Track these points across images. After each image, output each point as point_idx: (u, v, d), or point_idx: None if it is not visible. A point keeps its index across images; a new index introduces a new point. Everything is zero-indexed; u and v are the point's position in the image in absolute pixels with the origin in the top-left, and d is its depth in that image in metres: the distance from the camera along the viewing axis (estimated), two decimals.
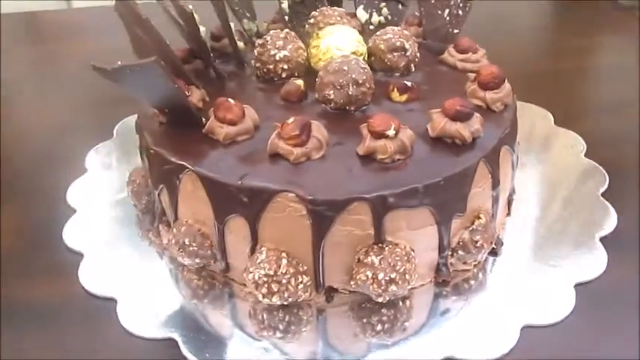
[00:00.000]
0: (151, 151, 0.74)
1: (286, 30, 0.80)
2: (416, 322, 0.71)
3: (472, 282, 0.75)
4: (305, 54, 0.80)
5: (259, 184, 0.66)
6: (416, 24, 0.93)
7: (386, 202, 0.66)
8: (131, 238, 0.83)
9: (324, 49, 0.78)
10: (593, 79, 1.23)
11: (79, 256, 0.80)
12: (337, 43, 0.78)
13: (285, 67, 0.78)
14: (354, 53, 0.78)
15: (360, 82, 0.72)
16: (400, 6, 0.98)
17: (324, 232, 0.67)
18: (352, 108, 0.74)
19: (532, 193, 0.89)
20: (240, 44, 0.86)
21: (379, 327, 0.70)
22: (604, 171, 0.91)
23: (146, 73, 0.66)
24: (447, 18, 0.91)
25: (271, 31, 0.80)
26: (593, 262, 0.77)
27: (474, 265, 0.76)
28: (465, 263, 0.74)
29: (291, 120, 0.67)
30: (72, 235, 0.83)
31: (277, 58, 0.78)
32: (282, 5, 0.88)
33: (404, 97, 0.76)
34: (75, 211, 0.87)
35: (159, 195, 0.77)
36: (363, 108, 0.75)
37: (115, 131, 1.03)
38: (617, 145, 0.99)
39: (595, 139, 0.98)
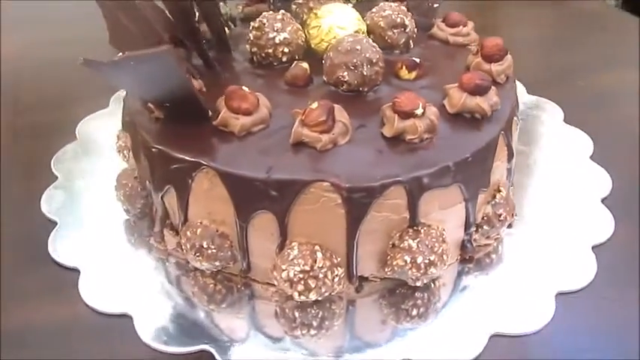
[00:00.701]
0: (153, 150, 0.67)
1: (282, 11, 0.75)
2: (447, 302, 0.70)
3: (493, 256, 0.75)
4: (304, 35, 0.75)
5: (290, 176, 0.62)
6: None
7: (421, 183, 0.63)
8: (123, 246, 0.77)
9: (327, 29, 0.75)
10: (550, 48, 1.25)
11: (72, 271, 0.73)
12: (339, 22, 0.75)
13: (286, 50, 0.74)
14: (356, 32, 0.75)
15: (374, 61, 0.69)
16: None
17: (360, 220, 0.64)
18: (365, 89, 0.71)
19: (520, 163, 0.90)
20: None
21: (414, 312, 0.69)
22: (587, 135, 0.93)
23: (156, 63, 0.60)
24: None
25: (265, 13, 0.75)
26: (601, 224, 0.78)
27: (495, 239, 0.75)
28: (487, 238, 0.74)
29: (314, 105, 0.64)
30: (60, 249, 0.75)
31: (277, 41, 0.73)
32: None
33: (413, 75, 0.74)
34: (55, 223, 0.79)
35: (162, 197, 0.70)
36: (375, 88, 0.72)
37: (77, 133, 0.95)
38: (593, 109, 1.02)
39: (571, 105, 1.00)
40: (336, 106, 0.65)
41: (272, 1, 0.84)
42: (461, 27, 0.85)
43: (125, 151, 0.81)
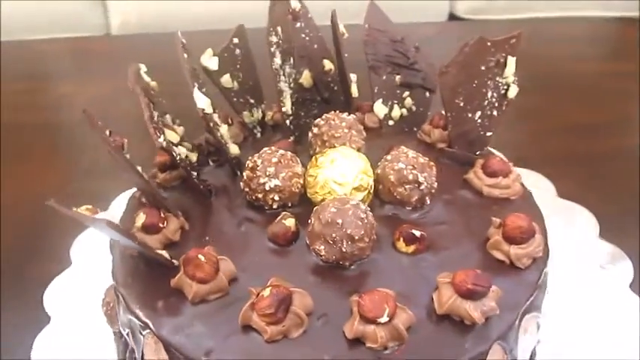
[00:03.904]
0: (117, 292, 0.65)
1: (281, 152, 0.68)
2: None
3: None
4: (301, 181, 0.68)
5: None
6: (441, 126, 0.80)
7: None
8: None
9: (322, 183, 0.67)
10: None
11: None
12: (337, 176, 0.66)
13: (277, 197, 0.67)
14: (356, 189, 0.67)
15: (357, 238, 0.61)
16: (427, 93, 0.86)
17: None
18: (346, 263, 0.63)
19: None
20: (235, 148, 0.75)
21: None
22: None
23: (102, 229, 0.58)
24: (479, 121, 0.78)
25: (263, 153, 0.68)
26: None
27: None
28: None
29: (266, 293, 0.57)
30: None
31: (267, 188, 0.67)
32: (284, 108, 0.76)
33: (411, 249, 0.65)
34: None
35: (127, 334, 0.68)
36: (365, 260, 0.64)
37: (70, 255, 0.88)
38: None
39: None
40: (298, 291, 0.58)
41: (290, 123, 0.77)
42: (500, 178, 0.73)
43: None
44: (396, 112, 0.83)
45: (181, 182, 0.75)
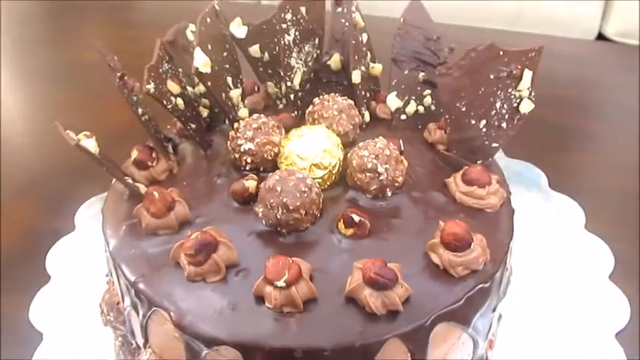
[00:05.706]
0: (102, 214, 0.75)
1: (263, 119, 0.73)
2: None
3: None
4: (275, 150, 0.73)
5: (145, 290, 0.64)
6: (444, 128, 0.79)
7: (253, 355, 0.59)
8: None
9: (287, 154, 0.71)
10: None
11: None
12: (300, 150, 0.70)
13: (249, 160, 0.73)
14: (316, 165, 0.70)
15: (292, 208, 0.64)
16: None
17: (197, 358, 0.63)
18: (283, 230, 0.67)
19: None
20: (244, 111, 0.81)
21: None
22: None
23: None
24: (484, 130, 0.77)
25: (251, 118, 0.74)
26: None
27: None
28: None
29: (193, 235, 0.63)
30: None
31: (242, 149, 0.72)
32: (289, 84, 0.80)
33: (349, 232, 0.67)
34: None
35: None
36: (306, 231, 0.67)
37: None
38: None
39: None
40: (224, 242, 0.64)
41: (294, 98, 0.81)
42: (475, 187, 0.71)
43: None
44: (412, 107, 0.83)
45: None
